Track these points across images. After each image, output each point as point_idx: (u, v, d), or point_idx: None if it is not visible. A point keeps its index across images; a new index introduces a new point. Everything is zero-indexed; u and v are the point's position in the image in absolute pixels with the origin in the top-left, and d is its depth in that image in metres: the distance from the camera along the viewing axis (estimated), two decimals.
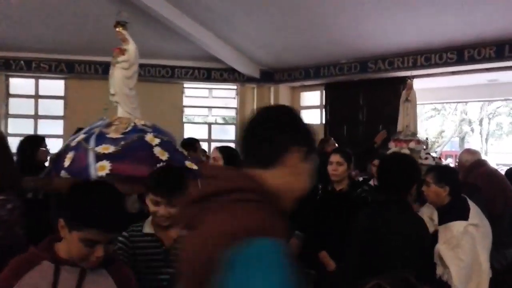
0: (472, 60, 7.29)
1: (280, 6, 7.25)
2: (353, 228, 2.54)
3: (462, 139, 23.84)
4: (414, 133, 6.81)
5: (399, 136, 6.93)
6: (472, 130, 23.19)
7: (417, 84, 8.68)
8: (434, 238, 2.50)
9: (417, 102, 7.38)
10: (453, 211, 2.61)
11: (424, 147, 6.76)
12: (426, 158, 6.21)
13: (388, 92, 8.74)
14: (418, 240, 2.19)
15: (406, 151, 6.16)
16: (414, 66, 7.94)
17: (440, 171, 2.86)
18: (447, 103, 16.62)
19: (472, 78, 8.21)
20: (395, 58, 8.12)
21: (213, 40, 8.73)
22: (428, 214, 2.77)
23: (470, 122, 22.86)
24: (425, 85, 9.11)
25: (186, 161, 3.51)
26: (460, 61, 7.41)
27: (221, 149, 3.27)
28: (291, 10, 7.31)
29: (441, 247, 2.43)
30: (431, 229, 2.59)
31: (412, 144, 6.46)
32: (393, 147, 6.65)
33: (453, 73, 7.82)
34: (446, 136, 23.57)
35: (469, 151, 5.13)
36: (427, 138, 12.49)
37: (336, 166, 3.64)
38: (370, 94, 9.05)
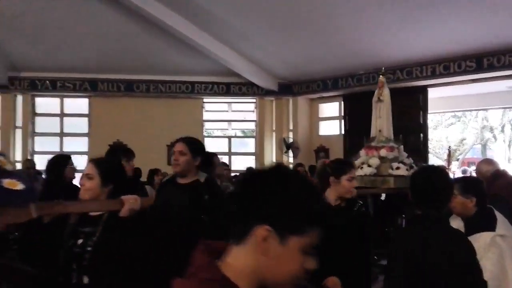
0: (492, 68, 7.26)
1: (296, 21, 7.37)
2: (391, 251, 2.42)
3: (484, 146, 23.49)
4: (388, 139, 5.83)
5: (370, 143, 6.00)
6: (495, 137, 22.82)
7: (436, 92, 8.69)
8: None
9: (437, 111, 7.28)
10: (480, 222, 2.61)
11: (397, 154, 5.70)
12: (398, 168, 5.33)
13: (407, 102, 8.73)
14: (465, 257, 2.14)
15: (375, 160, 5.46)
16: (433, 75, 7.94)
17: (466, 182, 2.85)
18: (467, 111, 16.43)
19: (492, 85, 8.16)
20: (413, 68, 8.13)
21: (232, 55, 8.89)
22: (454, 226, 2.77)
23: (491, 129, 22.52)
24: (444, 93, 9.10)
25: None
26: (479, 68, 7.39)
27: (187, 141, 3.04)
28: (307, 24, 7.42)
29: None
30: None
31: (383, 152, 5.52)
32: (363, 155, 5.79)
33: (473, 81, 7.78)
34: (468, 144, 23.25)
35: (487, 161, 5.05)
36: (449, 146, 12.41)
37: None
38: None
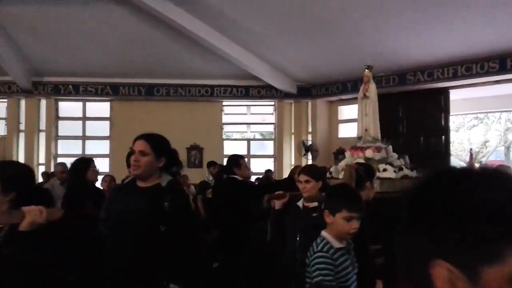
0: None
1: (315, 23, 7.36)
2: None
3: (507, 148, 22.97)
4: (376, 139, 5.37)
5: (357, 143, 5.63)
6: None
7: (458, 94, 8.55)
8: None
9: (459, 113, 7.10)
10: None
11: (385, 155, 5.19)
12: (385, 170, 4.82)
13: (429, 103, 8.63)
14: None
15: (361, 162, 4.76)
16: (455, 77, 7.83)
17: None
18: (490, 112, 16.11)
19: None
20: (434, 69, 8.03)
21: (251, 58, 8.93)
22: None
23: None
24: (467, 95, 8.95)
25: None
26: (502, 69, 7.25)
27: (149, 139, 2.64)
28: (326, 26, 7.40)
29: None
30: None
31: (369, 152, 5.00)
32: (348, 156, 5.37)
33: (496, 82, 7.63)
34: (491, 146, 22.77)
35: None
36: (471, 149, 12.16)
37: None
38: (410, 106, 8.95)
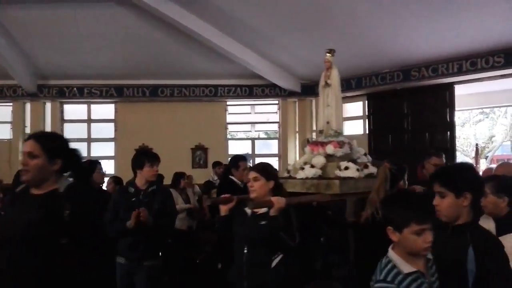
0: None
1: (318, 21, 7.34)
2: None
3: None
4: (338, 132, 4.64)
5: (317, 138, 5.03)
6: None
7: (464, 89, 8.50)
8: None
9: (464, 108, 6.99)
10: None
11: (348, 151, 4.58)
12: (346, 168, 4.17)
13: (434, 99, 8.59)
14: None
15: (320, 159, 4.31)
16: (460, 72, 7.78)
17: (499, 181, 2.78)
18: (496, 107, 16.02)
19: None
20: (439, 65, 7.99)
21: (254, 58, 8.92)
22: (486, 227, 2.70)
23: None
24: (472, 90, 8.90)
25: None
26: (508, 64, 7.19)
27: (39, 139, 2.31)
28: (329, 23, 7.38)
29: None
30: None
31: (329, 148, 4.36)
32: (308, 153, 4.77)
33: (502, 76, 7.57)
34: (497, 141, 22.65)
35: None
36: (477, 144, 12.09)
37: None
38: (415, 102, 8.91)
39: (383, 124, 9.48)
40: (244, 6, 7.27)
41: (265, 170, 3.10)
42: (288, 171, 5.07)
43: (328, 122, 4.68)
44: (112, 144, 10.20)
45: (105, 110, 10.29)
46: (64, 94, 9.94)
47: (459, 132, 13.35)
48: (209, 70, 9.48)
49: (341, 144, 4.54)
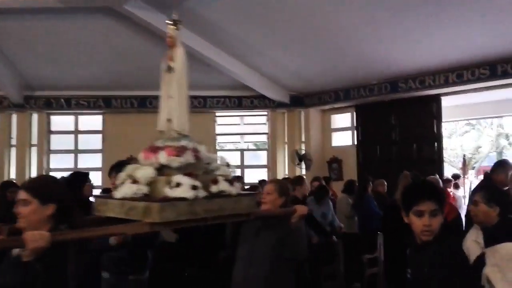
0: (506, 74, 7.19)
1: (307, 33, 7.39)
2: None
3: (499, 154, 23.13)
4: (182, 134, 3.09)
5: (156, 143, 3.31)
6: (510, 144, 22.47)
7: (450, 100, 8.62)
8: (481, 261, 2.46)
9: (451, 119, 7.10)
10: (502, 233, 2.56)
11: (191, 159, 2.93)
12: (178, 185, 2.59)
13: (421, 111, 8.69)
14: None
15: (147, 171, 2.72)
16: (446, 83, 7.89)
17: (490, 191, 2.80)
18: (482, 118, 16.25)
19: (506, 92, 8.06)
20: (425, 77, 8.09)
21: (243, 69, 8.94)
22: (473, 237, 2.71)
23: (507, 136, 22.21)
24: (458, 102, 9.02)
25: None
26: (493, 76, 7.32)
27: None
28: (318, 36, 7.44)
29: (489, 270, 2.39)
30: (477, 252, 2.55)
31: (162, 156, 2.86)
32: (141, 160, 3.11)
33: (487, 88, 7.70)
34: (483, 152, 22.93)
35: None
36: (464, 155, 12.22)
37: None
38: (402, 114, 9.01)
39: (371, 135, 9.54)
40: (232, 18, 7.30)
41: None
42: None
43: (169, 120, 3.17)
44: (99, 155, 10.10)
45: (93, 121, 10.20)
46: (51, 105, 9.84)
47: (446, 143, 13.48)
48: (198, 81, 9.44)
49: (180, 151, 2.92)
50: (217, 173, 2.85)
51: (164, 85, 3.24)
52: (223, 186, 2.71)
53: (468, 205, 3.13)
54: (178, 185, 2.61)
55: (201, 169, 2.89)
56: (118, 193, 2.64)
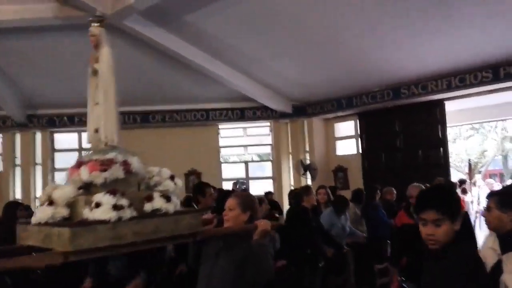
0: (509, 77, 7.15)
1: (307, 43, 7.39)
2: None
3: (505, 157, 22.99)
4: (112, 146, 2.64)
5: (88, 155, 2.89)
6: None
7: (454, 105, 8.57)
8: (498, 268, 2.39)
9: (455, 124, 7.04)
10: None
11: (120, 174, 2.43)
12: (98, 206, 2.12)
13: (425, 116, 8.65)
14: None
15: (65, 191, 2.30)
16: (449, 88, 7.86)
17: (504, 196, 2.74)
18: (486, 122, 16.19)
19: (510, 95, 8.01)
20: (428, 82, 8.06)
21: (244, 80, 8.95)
22: (489, 244, 2.65)
23: None
24: (462, 106, 8.98)
25: None
26: (496, 79, 7.28)
27: None
28: (318, 46, 7.44)
29: (507, 277, 2.33)
30: (494, 259, 2.49)
31: (84, 172, 2.38)
32: (68, 177, 2.72)
33: (490, 91, 7.66)
34: (489, 155, 22.80)
35: None
36: (469, 159, 12.14)
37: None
38: (406, 120, 8.96)
39: (375, 142, 9.49)
40: (233, 31, 7.32)
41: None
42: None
43: (96, 130, 2.75)
44: None
45: None
46: (54, 123, 9.86)
47: (450, 148, 13.43)
48: (200, 94, 9.48)
49: (105, 165, 2.46)
50: (160, 189, 2.48)
51: (90, 89, 2.89)
52: (158, 203, 2.33)
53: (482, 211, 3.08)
54: (97, 205, 2.20)
55: (133, 185, 2.51)
56: (34, 218, 2.27)
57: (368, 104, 9.06)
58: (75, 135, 10.22)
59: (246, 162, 10.86)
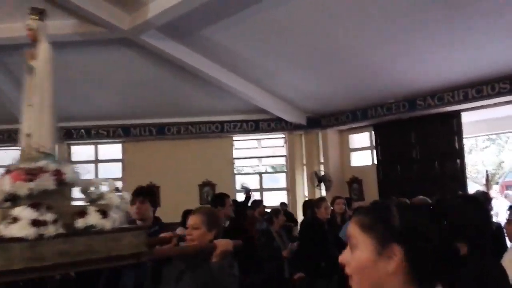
0: None
1: (321, 54, 7.42)
2: None
3: None
4: (45, 153, 2.29)
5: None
6: None
7: (471, 116, 8.47)
8: None
9: (472, 135, 6.90)
10: None
11: (51, 185, 2.02)
12: (16, 221, 1.81)
13: (441, 128, 8.55)
14: None
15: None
16: (465, 99, 7.77)
17: None
18: (503, 133, 15.96)
19: None
20: (444, 93, 7.99)
21: (259, 93, 9.00)
22: (510, 257, 2.61)
23: None
24: (479, 117, 8.87)
25: None
26: None
27: None
28: (333, 56, 7.45)
29: None
30: None
31: (7, 181, 2.02)
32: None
33: (508, 102, 7.55)
34: (506, 167, 22.44)
35: None
36: (487, 171, 11.93)
37: None
38: (422, 131, 8.88)
39: (391, 154, 9.42)
40: (247, 43, 7.38)
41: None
42: None
43: (28, 135, 2.40)
44: (119, 183, 10.14)
45: (113, 150, 10.32)
46: (72, 135, 10.00)
47: (466, 159, 13.26)
48: (215, 106, 9.55)
49: (32, 174, 2.10)
50: (102, 202, 2.15)
51: (25, 91, 2.54)
52: (93, 219, 1.97)
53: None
54: (15, 220, 1.85)
55: (67, 198, 2.18)
56: None
57: (383, 115, 9.01)
58: (91, 147, 10.37)
59: (260, 174, 10.86)
